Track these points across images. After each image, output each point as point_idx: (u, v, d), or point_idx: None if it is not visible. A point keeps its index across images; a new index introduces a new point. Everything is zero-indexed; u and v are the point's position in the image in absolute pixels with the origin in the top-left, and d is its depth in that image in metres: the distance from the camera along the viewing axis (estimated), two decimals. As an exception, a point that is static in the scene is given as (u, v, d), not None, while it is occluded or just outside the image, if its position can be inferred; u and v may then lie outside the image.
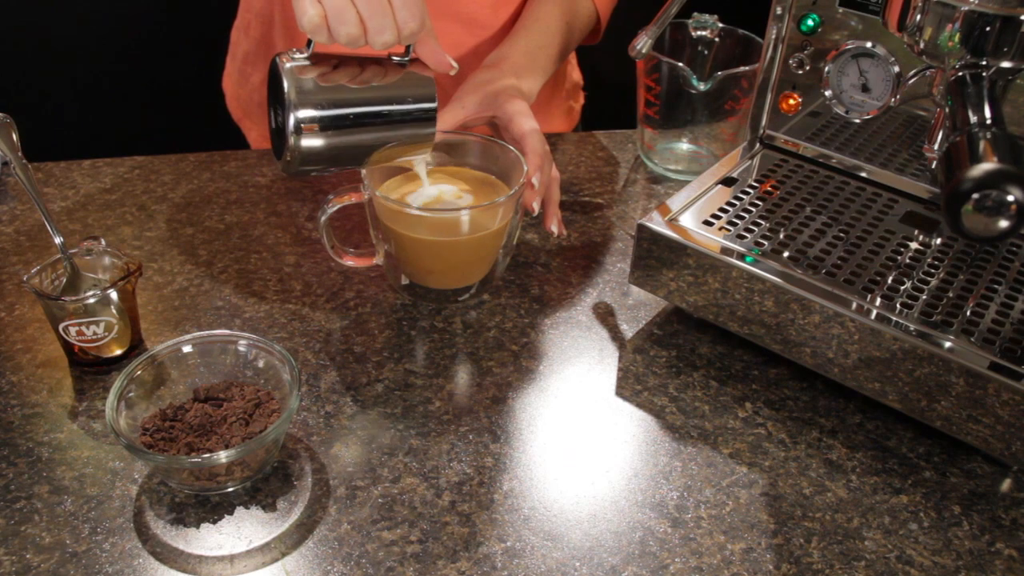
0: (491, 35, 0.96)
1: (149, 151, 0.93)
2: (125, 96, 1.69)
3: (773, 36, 0.73)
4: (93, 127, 1.71)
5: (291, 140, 0.61)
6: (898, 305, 0.62)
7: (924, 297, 0.63)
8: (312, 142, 0.61)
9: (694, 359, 0.69)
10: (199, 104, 1.59)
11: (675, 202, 0.71)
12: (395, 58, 0.65)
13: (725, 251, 0.66)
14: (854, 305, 0.62)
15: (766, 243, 0.67)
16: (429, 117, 0.65)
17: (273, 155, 0.66)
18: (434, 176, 0.74)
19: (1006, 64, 0.56)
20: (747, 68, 0.84)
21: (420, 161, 0.70)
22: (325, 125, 0.61)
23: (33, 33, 1.59)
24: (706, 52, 0.92)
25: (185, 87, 1.63)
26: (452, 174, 0.75)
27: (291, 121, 0.60)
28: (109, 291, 0.63)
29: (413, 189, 0.72)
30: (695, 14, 0.90)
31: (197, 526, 0.55)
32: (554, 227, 0.75)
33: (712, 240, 0.67)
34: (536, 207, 0.72)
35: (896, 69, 0.67)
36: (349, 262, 0.74)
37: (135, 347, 0.67)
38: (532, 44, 0.88)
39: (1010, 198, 0.46)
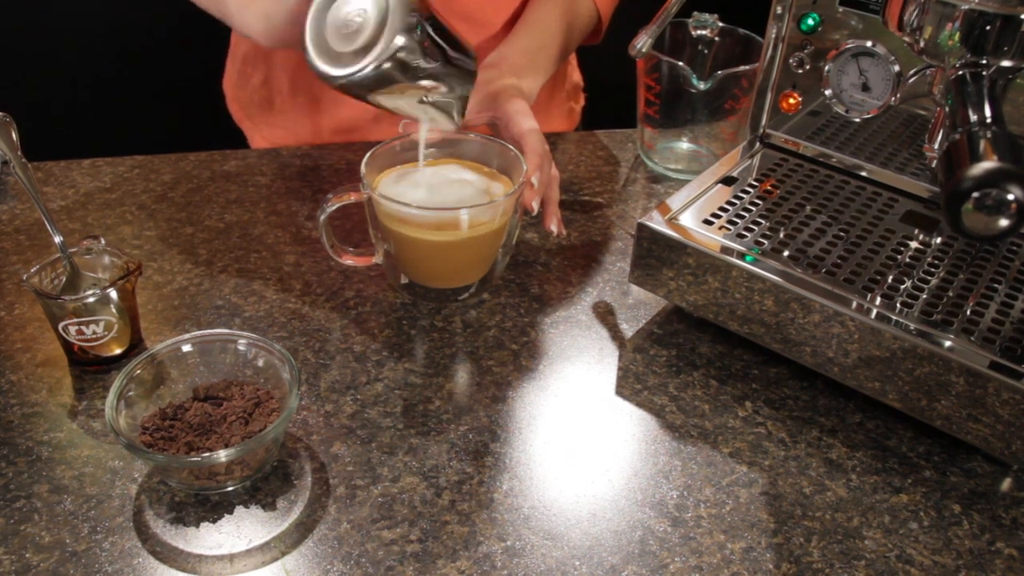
0: (492, 33, 0.96)
1: (149, 151, 0.93)
2: (125, 96, 1.69)
3: (773, 35, 0.73)
4: (93, 127, 1.71)
5: (395, 33, 0.58)
6: (898, 304, 0.62)
7: (924, 296, 0.63)
8: (406, 42, 0.58)
9: (694, 358, 0.69)
10: (200, 104, 1.59)
11: (675, 201, 0.71)
12: None
13: (725, 250, 0.66)
14: (854, 304, 0.61)
15: (766, 242, 0.67)
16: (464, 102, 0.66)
17: (310, 53, 0.61)
18: (455, 166, 0.75)
19: (1006, 63, 0.56)
20: (747, 67, 0.84)
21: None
22: (424, 38, 0.60)
23: (33, 33, 1.59)
24: (706, 51, 0.92)
25: (185, 87, 1.63)
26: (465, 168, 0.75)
27: (402, 18, 0.58)
28: (109, 290, 0.63)
29: (411, 186, 0.72)
30: (695, 13, 0.90)
31: (197, 525, 0.55)
32: (553, 226, 0.75)
33: (712, 239, 0.67)
34: (535, 206, 0.72)
35: (896, 68, 0.67)
36: (349, 261, 0.74)
37: (135, 346, 0.67)
38: (532, 44, 0.89)
39: (1010, 197, 0.46)
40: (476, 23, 0.94)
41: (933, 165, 0.69)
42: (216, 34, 1.12)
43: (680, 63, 0.85)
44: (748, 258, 0.65)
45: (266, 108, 1.03)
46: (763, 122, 0.78)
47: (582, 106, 1.12)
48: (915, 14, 0.58)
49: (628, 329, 0.71)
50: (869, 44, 0.68)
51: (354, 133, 0.99)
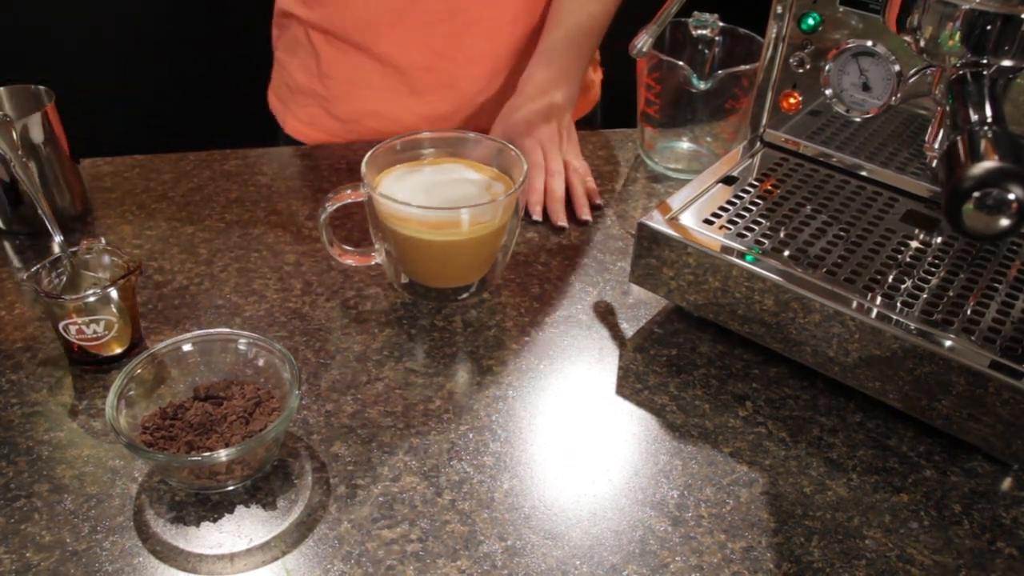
0: (503, 40, 0.98)
1: (151, 150, 0.93)
2: (126, 95, 1.69)
3: (773, 35, 0.73)
4: (94, 126, 1.71)
5: None
6: (898, 304, 0.62)
7: (924, 296, 0.63)
8: None
9: (694, 358, 0.69)
10: (201, 103, 1.59)
11: (675, 201, 0.71)
12: None
13: (725, 250, 0.66)
14: (854, 304, 0.61)
15: (766, 242, 0.67)
16: None
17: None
18: (456, 165, 0.75)
19: (1007, 63, 0.56)
20: (747, 67, 0.84)
21: None
22: None
23: (34, 33, 1.59)
24: (706, 51, 0.92)
25: (186, 86, 1.63)
26: (468, 167, 0.75)
27: None
28: (109, 290, 0.63)
29: (411, 186, 0.72)
30: (695, 13, 0.90)
31: (197, 525, 0.55)
32: (586, 215, 0.83)
33: (712, 239, 0.67)
34: (539, 211, 0.81)
35: (897, 68, 0.67)
36: (349, 261, 0.74)
37: (135, 346, 0.67)
38: (561, 49, 0.92)
39: (1011, 196, 0.46)
40: (485, 34, 0.96)
41: (933, 165, 0.69)
42: (220, 32, 1.13)
43: (680, 63, 0.85)
44: (748, 258, 0.65)
45: (301, 92, 1.04)
46: (763, 122, 0.78)
47: (600, 79, 1.12)
48: (916, 14, 0.58)
49: (628, 329, 0.71)
50: (869, 44, 0.68)
51: (389, 118, 0.99)
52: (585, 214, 0.83)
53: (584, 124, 0.98)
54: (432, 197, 0.70)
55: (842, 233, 0.69)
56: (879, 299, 0.62)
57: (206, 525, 0.55)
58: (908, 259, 0.67)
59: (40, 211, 0.67)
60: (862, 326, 0.60)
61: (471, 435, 0.61)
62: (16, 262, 0.76)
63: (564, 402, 0.65)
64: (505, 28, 0.96)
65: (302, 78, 1.03)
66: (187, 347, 0.61)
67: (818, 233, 0.69)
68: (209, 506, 0.56)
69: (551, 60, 0.92)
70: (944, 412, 0.59)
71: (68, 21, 1.59)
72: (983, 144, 0.48)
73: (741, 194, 0.73)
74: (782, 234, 0.68)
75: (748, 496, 0.58)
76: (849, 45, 0.69)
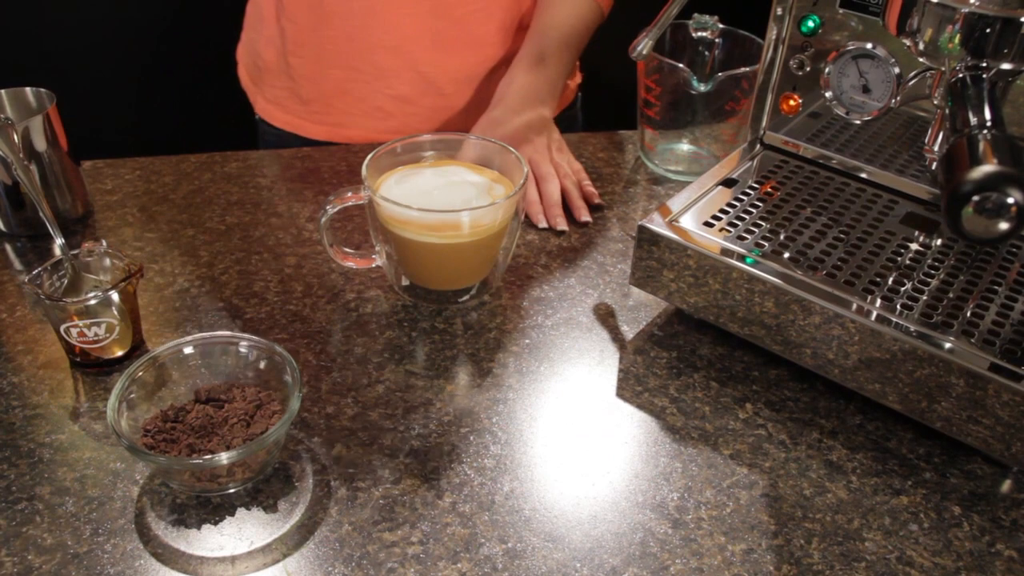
0: (491, 52, 0.98)
1: (151, 151, 0.93)
2: (125, 95, 1.69)
3: (773, 37, 0.73)
4: (96, 129, 1.71)
5: None
6: (898, 306, 0.62)
7: (924, 298, 0.63)
8: None
9: (694, 360, 0.69)
10: (202, 103, 1.59)
11: (675, 203, 0.71)
12: None
13: (725, 252, 0.66)
14: (854, 306, 0.62)
15: (766, 244, 0.68)
16: None
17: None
18: (457, 168, 0.75)
19: (1006, 66, 0.56)
20: (747, 69, 0.84)
21: None
22: None
23: (35, 35, 1.59)
24: (706, 53, 0.92)
25: (186, 86, 1.63)
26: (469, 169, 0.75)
27: None
28: (110, 292, 0.63)
29: (412, 189, 0.72)
30: (695, 15, 0.90)
31: (198, 527, 0.55)
32: (585, 217, 0.83)
33: (713, 241, 0.67)
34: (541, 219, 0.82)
35: (896, 70, 0.67)
36: (350, 263, 0.74)
37: (136, 348, 0.67)
38: (543, 59, 0.92)
39: (1010, 200, 0.46)
40: (473, 44, 0.96)
41: (933, 167, 0.69)
42: (219, 30, 1.13)
43: (680, 65, 0.86)
44: (748, 260, 0.65)
45: (269, 71, 1.04)
46: (763, 124, 0.78)
47: (577, 83, 1.12)
48: (915, 17, 0.58)
49: (629, 331, 0.72)
50: (869, 46, 0.68)
51: (356, 97, 0.99)
52: (584, 216, 0.83)
53: (562, 126, 0.97)
54: (433, 200, 0.70)
55: (842, 235, 0.69)
56: (879, 301, 0.62)
57: (207, 528, 0.55)
58: (908, 261, 0.67)
59: (41, 214, 0.67)
60: (862, 328, 0.60)
61: (472, 437, 0.62)
62: (17, 264, 0.76)
63: (564, 404, 0.65)
64: (474, 16, 0.95)
65: (269, 56, 1.03)
66: (188, 350, 0.61)
67: (818, 235, 0.69)
68: (210, 509, 0.56)
69: (534, 68, 0.90)
70: (944, 414, 0.59)
71: (68, 22, 1.59)
72: (982, 147, 0.49)
73: (741, 196, 0.73)
74: (782, 236, 0.68)
75: (748, 498, 0.58)
76: (849, 47, 0.69)
